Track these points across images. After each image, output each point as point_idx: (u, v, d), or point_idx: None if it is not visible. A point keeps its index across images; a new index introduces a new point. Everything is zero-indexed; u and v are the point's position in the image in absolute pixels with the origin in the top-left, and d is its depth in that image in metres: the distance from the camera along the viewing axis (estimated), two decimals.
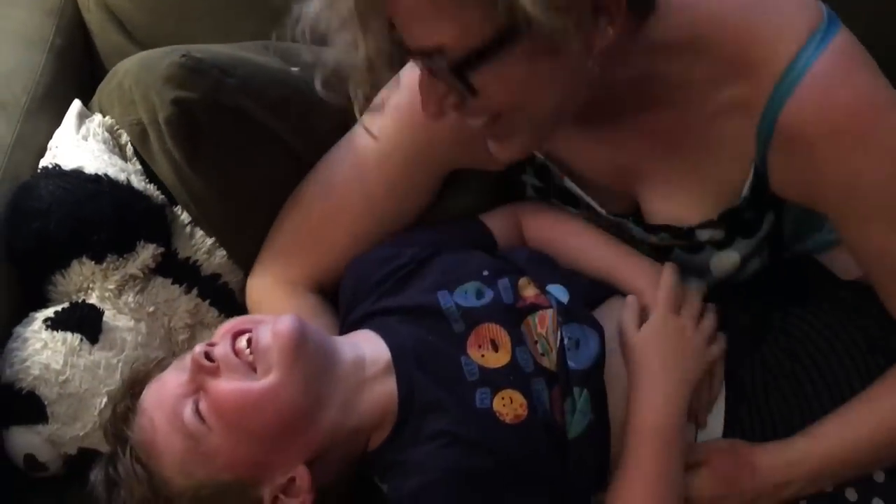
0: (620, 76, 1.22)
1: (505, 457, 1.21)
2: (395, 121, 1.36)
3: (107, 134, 1.51)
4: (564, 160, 1.38)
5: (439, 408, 1.22)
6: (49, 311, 1.40)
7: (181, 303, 1.46)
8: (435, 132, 1.35)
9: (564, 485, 1.24)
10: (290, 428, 1.19)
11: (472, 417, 1.22)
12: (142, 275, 1.43)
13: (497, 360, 1.26)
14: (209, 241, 1.48)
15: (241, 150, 1.43)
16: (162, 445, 1.21)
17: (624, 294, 1.36)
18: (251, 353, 1.21)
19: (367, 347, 1.27)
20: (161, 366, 1.29)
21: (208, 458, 1.19)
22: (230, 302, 1.49)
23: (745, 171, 1.28)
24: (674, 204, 1.33)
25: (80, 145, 1.48)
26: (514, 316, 1.29)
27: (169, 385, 1.23)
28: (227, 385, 1.19)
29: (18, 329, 1.40)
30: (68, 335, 1.37)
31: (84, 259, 1.40)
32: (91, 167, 1.43)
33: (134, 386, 1.28)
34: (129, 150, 1.50)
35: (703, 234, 1.34)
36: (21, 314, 1.42)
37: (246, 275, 1.48)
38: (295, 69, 1.44)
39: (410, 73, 1.23)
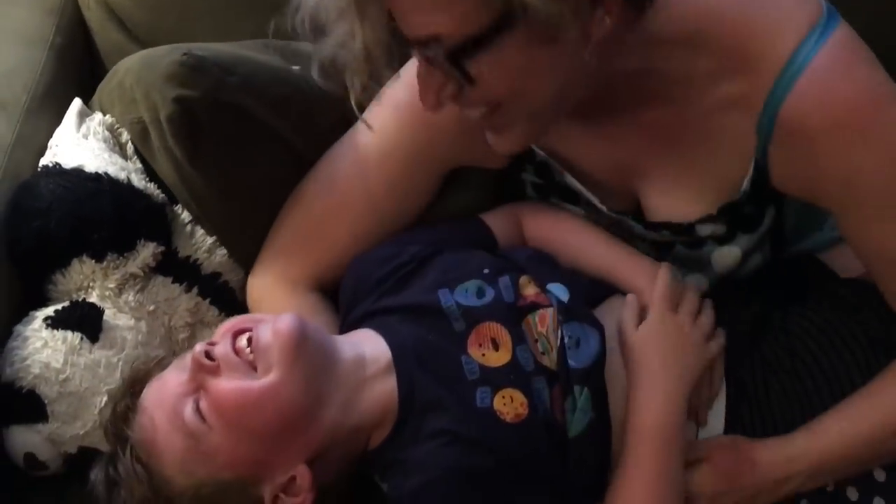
0: (619, 70, 1.22)
1: (505, 456, 1.21)
2: (396, 119, 1.36)
3: (107, 132, 1.51)
4: (565, 156, 1.38)
5: (440, 407, 1.22)
6: (49, 310, 1.40)
7: (181, 301, 1.46)
8: (436, 130, 1.35)
9: (565, 483, 1.24)
10: (290, 427, 1.19)
11: (473, 416, 1.22)
12: (142, 273, 1.43)
13: (498, 358, 1.26)
14: (209, 239, 1.48)
15: (242, 148, 1.43)
16: (162, 444, 1.21)
17: (624, 293, 1.36)
18: (251, 351, 1.21)
19: (368, 346, 1.27)
20: (161, 365, 1.29)
21: (209, 456, 1.19)
22: (230, 301, 1.49)
23: (745, 166, 1.28)
24: (673, 199, 1.33)
25: (80, 144, 1.48)
26: (514, 314, 1.29)
27: (169, 384, 1.23)
28: (228, 384, 1.19)
29: (19, 328, 1.40)
30: (68, 334, 1.37)
31: (84, 258, 1.40)
32: (91, 166, 1.43)
33: (134, 385, 1.28)
34: (130, 148, 1.50)
35: (704, 230, 1.34)
36: (21, 313, 1.42)
37: (246, 273, 1.48)
38: (296, 68, 1.45)
39: (411, 71, 1.23)
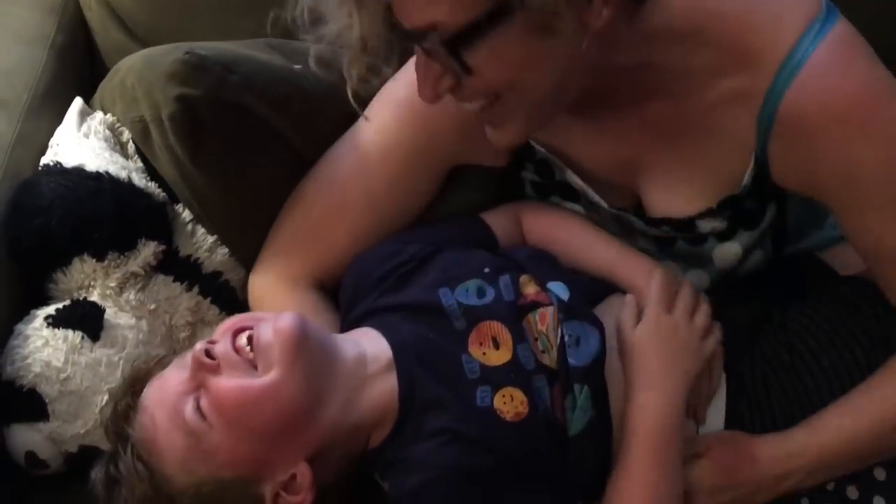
0: (619, 64, 1.22)
1: (505, 454, 1.21)
2: (397, 118, 1.37)
3: (108, 131, 1.51)
4: (565, 153, 1.38)
5: (440, 405, 1.22)
6: (50, 309, 1.40)
7: (182, 300, 1.46)
8: (436, 129, 1.35)
9: (565, 482, 1.24)
10: (291, 425, 1.19)
11: (473, 415, 1.22)
12: (143, 272, 1.43)
13: (498, 357, 1.26)
14: (210, 238, 1.48)
15: (244, 147, 1.43)
16: (163, 443, 1.21)
17: (624, 291, 1.36)
18: (252, 350, 1.21)
19: (369, 345, 1.27)
20: (162, 363, 1.29)
21: (209, 455, 1.19)
22: (231, 299, 1.49)
23: (746, 161, 1.28)
24: (674, 195, 1.33)
25: (81, 143, 1.48)
26: (515, 313, 1.29)
27: (170, 383, 1.23)
28: (228, 382, 1.19)
29: (19, 326, 1.40)
30: (69, 333, 1.37)
31: (85, 256, 1.40)
32: (92, 165, 1.43)
33: (135, 384, 1.28)
34: (131, 147, 1.50)
35: (705, 226, 1.34)
36: (22, 311, 1.42)
37: (247, 272, 1.48)
38: (297, 66, 1.45)
39: (411, 70, 1.23)
